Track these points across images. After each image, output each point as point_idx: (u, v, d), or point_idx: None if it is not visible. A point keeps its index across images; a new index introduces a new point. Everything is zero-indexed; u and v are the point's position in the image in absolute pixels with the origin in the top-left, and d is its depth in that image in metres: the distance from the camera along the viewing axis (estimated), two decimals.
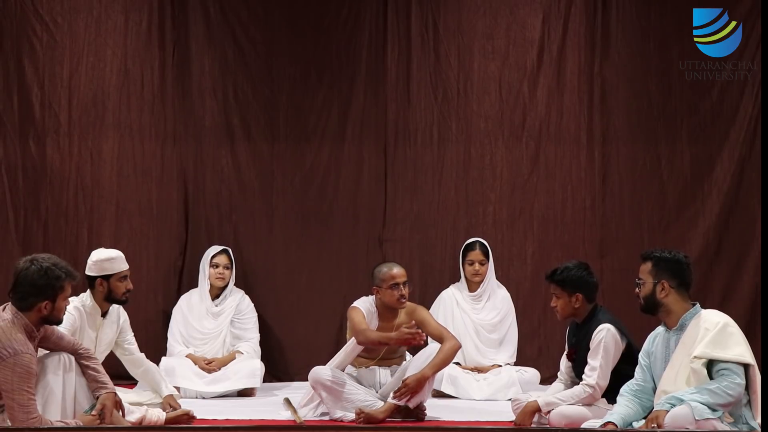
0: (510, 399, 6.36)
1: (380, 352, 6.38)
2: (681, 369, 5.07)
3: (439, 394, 7.04)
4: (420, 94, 7.94)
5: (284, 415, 6.36)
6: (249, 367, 7.19)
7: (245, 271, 7.82)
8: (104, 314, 6.17)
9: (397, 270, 6.34)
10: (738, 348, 5.02)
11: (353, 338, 6.28)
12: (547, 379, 7.09)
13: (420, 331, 6.13)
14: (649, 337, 5.35)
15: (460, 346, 6.34)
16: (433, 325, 6.40)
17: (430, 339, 6.40)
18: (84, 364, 5.22)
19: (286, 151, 7.94)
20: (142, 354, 6.44)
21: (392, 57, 7.92)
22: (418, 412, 6.20)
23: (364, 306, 6.38)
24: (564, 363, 6.02)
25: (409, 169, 7.95)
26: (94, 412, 5.09)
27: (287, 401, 6.58)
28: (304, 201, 7.94)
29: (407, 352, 6.62)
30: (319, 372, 6.23)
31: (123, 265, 6.13)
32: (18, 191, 7.75)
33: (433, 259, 7.93)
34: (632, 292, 5.36)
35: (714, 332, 5.03)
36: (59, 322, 5.11)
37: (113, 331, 6.25)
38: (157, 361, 6.85)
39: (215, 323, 7.46)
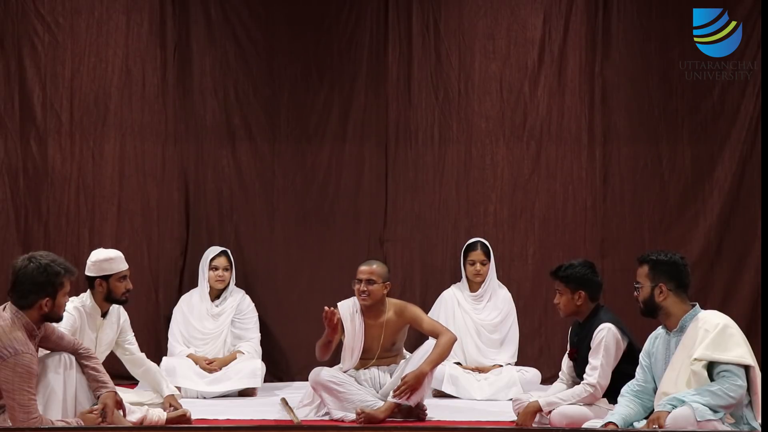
0: (511, 399, 6.36)
1: (375, 351, 6.40)
2: (681, 371, 5.07)
3: (440, 394, 7.05)
4: (421, 94, 7.94)
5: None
6: (250, 367, 7.19)
7: (246, 271, 7.82)
8: (104, 314, 6.17)
9: (363, 266, 6.39)
10: (738, 349, 5.01)
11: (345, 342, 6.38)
12: (548, 379, 7.10)
13: (331, 309, 6.11)
14: (649, 337, 5.35)
15: (455, 339, 6.35)
16: (427, 322, 6.43)
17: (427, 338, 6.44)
18: (84, 363, 5.23)
19: (287, 150, 7.95)
20: (143, 354, 6.44)
21: (393, 57, 7.92)
22: (419, 412, 6.21)
23: (345, 306, 6.42)
24: (566, 362, 6.02)
25: (410, 168, 7.96)
26: (95, 411, 5.09)
27: (284, 401, 6.60)
28: (305, 201, 7.94)
29: (406, 351, 6.63)
30: (319, 373, 6.25)
31: (122, 265, 6.13)
32: (19, 191, 7.76)
33: (434, 259, 7.93)
34: (633, 292, 5.36)
35: (714, 334, 5.03)
36: (59, 319, 5.11)
37: (113, 331, 6.25)
38: (157, 361, 6.85)
39: (216, 324, 7.46)
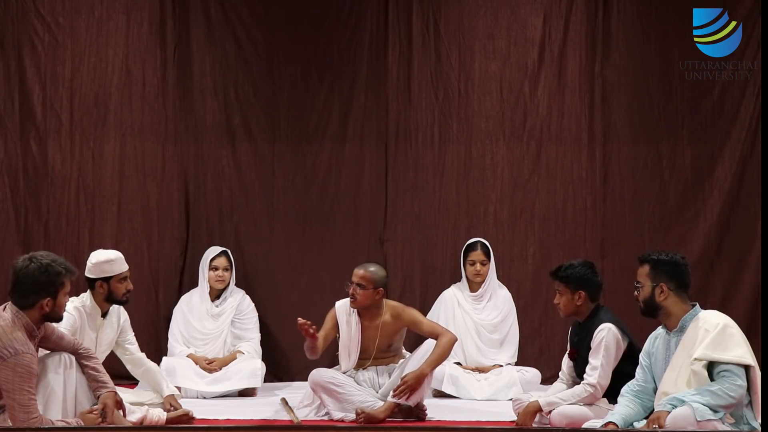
0: (511, 399, 6.36)
1: (371, 353, 6.39)
2: (681, 371, 5.07)
3: (440, 394, 7.05)
4: (421, 93, 7.94)
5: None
6: (250, 367, 7.19)
7: (246, 271, 7.82)
8: (104, 314, 6.17)
9: (356, 269, 6.36)
10: (738, 349, 5.02)
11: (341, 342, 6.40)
12: (548, 379, 7.10)
13: (306, 321, 6.08)
14: (649, 337, 5.36)
15: (455, 339, 6.35)
16: (426, 324, 6.42)
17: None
18: (84, 363, 5.23)
19: (287, 150, 7.95)
20: (143, 354, 6.45)
21: (393, 57, 7.92)
22: (419, 412, 6.21)
23: (343, 306, 6.43)
24: (566, 362, 6.03)
25: (410, 168, 7.95)
26: (95, 411, 5.09)
27: (284, 401, 6.60)
28: (305, 201, 7.94)
29: (405, 351, 6.63)
30: (318, 374, 6.25)
31: (123, 267, 6.13)
32: (19, 192, 7.76)
33: (434, 259, 7.92)
34: (633, 292, 5.36)
35: (714, 334, 5.03)
36: (60, 319, 5.12)
37: (114, 331, 6.25)
38: (157, 361, 6.85)
39: (216, 324, 7.46)
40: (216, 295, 7.52)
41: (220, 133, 7.92)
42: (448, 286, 7.59)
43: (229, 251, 7.55)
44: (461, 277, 7.54)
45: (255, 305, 7.61)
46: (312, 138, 7.95)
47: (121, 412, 5.27)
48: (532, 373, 7.22)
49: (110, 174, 7.83)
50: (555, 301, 5.96)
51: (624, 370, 5.59)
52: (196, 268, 7.59)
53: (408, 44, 7.92)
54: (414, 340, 6.87)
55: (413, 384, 6.08)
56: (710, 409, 4.88)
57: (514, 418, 5.89)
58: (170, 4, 7.82)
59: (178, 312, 7.52)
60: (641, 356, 5.35)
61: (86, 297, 6.14)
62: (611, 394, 5.62)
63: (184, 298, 7.59)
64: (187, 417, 5.97)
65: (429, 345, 6.27)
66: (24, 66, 7.75)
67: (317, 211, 7.95)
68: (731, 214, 7.90)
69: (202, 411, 6.37)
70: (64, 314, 5.28)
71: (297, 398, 6.59)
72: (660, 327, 5.31)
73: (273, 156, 7.96)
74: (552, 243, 7.91)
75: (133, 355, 6.38)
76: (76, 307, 6.03)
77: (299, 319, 6.07)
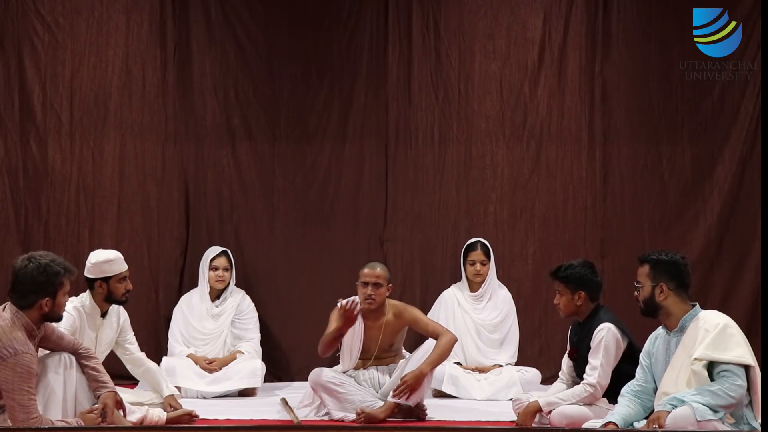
0: (511, 399, 6.37)
1: (373, 352, 6.39)
2: (681, 371, 5.07)
3: (440, 394, 7.05)
4: (421, 94, 7.94)
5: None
6: (250, 367, 7.19)
7: (246, 272, 7.82)
8: (104, 314, 6.17)
9: (368, 270, 6.34)
10: (738, 349, 5.02)
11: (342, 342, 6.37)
12: (548, 378, 7.10)
13: (347, 301, 6.13)
14: (649, 337, 5.36)
15: (456, 340, 6.36)
16: (427, 324, 6.43)
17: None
18: (84, 363, 5.23)
19: (287, 151, 7.95)
20: (143, 353, 6.45)
21: (393, 57, 7.93)
22: (419, 411, 6.21)
23: None
24: (566, 362, 6.03)
25: (410, 168, 7.96)
26: (95, 411, 5.09)
27: (284, 401, 6.60)
28: (305, 201, 7.95)
29: (405, 351, 6.63)
30: (318, 374, 6.25)
31: (122, 266, 6.13)
32: (19, 191, 7.76)
33: (434, 259, 7.93)
34: (633, 292, 5.36)
35: (714, 334, 5.03)
36: (59, 318, 5.11)
37: (113, 331, 6.25)
38: (158, 361, 6.85)
39: (216, 324, 7.46)
40: (216, 295, 7.52)
41: (220, 133, 7.92)
42: (448, 286, 7.59)
43: (229, 251, 7.55)
44: (461, 277, 7.54)
45: (255, 305, 7.61)
46: (312, 138, 7.95)
47: (121, 412, 5.27)
48: (532, 373, 7.22)
49: (110, 174, 7.83)
50: (555, 301, 5.97)
51: (624, 370, 5.60)
52: (196, 268, 7.60)
53: (408, 44, 7.92)
54: (414, 341, 6.87)
55: (413, 384, 6.08)
56: (710, 409, 4.88)
57: (514, 418, 5.89)
58: (170, 4, 7.83)
59: (178, 312, 7.52)
60: (641, 356, 5.35)
61: (86, 297, 6.14)
62: (611, 394, 5.62)
63: (184, 298, 7.59)
64: (188, 417, 5.97)
65: (429, 345, 6.27)
66: (24, 66, 7.75)
67: (317, 212, 7.95)
68: (731, 214, 7.90)
69: (202, 411, 6.35)
70: (64, 314, 5.28)
71: (297, 398, 6.59)
72: (660, 327, 5.31)
73: (273, 156, 7.96)
74: (552, 243, 7.92)
75: (133, 355, 6.38)
76: (76, 307, 6.03)
77: (341, 301, 6.11)
